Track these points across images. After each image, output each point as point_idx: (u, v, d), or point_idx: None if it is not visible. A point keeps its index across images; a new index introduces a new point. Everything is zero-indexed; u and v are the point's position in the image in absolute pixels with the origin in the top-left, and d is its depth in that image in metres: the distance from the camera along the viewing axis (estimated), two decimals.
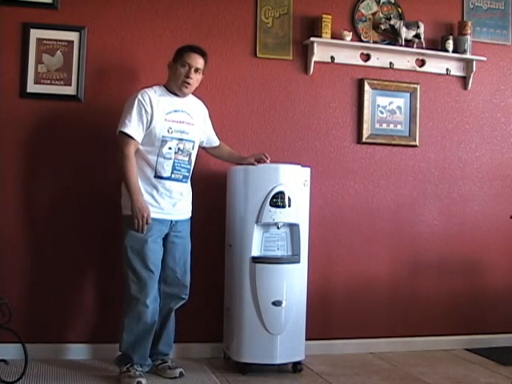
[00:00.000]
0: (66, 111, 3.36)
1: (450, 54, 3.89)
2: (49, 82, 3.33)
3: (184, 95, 3.12)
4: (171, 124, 3.04)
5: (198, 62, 3.07)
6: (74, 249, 3.37)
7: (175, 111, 3.07)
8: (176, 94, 3.10)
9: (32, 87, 3.30)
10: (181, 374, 3.11)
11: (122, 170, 2.96)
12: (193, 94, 3.20)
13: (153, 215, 2.98)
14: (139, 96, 2.99)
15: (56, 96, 3.33)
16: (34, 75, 3.30)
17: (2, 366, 2.92)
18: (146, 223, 2.94)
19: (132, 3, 3.44)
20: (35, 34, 3.29)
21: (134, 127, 2.95)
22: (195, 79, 3.09)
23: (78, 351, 3.34)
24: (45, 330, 3.32)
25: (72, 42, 3.35)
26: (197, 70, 3.07)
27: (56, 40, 3.33)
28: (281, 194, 3.18)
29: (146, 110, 2.97)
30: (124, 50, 3.43)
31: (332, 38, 3.66)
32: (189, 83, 3.07)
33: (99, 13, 3.39)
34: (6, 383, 2.82)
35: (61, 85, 3.34)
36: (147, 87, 3.05)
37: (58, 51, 3.34)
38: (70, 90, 3.35)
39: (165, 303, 3.15)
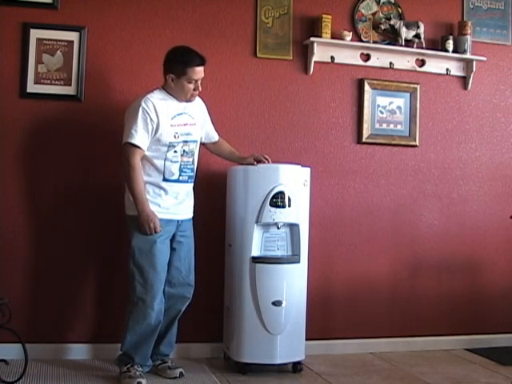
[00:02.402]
0: (66, 111, 3.36)
1: (450, 54, 3.89)
2: (49, 81, 3.33)
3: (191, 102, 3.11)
4: (177, 128, 3.03)
5: (202, 72, 3.05)
6: (74, 249, 3.37)
7: (179, 114, 3.06)
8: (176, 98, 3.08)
9: (32, 87, 3.30)
10: (181, 374, 3.11)
11: (128, 180, 2.96)
12: None
13: (160, 216, 2.99)
14: (143, 104, 2.94)
15: (56, 96, 3.33)
16: (33, 75, 3.30)
17: (2, 366, 2.92)
18: (155, 231, 2.95)
19: (132, 3, 3.44)
20: (35, 34, 3.29)
21: (140, 137, 2.93)
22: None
23: (78, 351, 3.34)
24: (45, 330, 3.32)
25: (72, 42, 3.35)
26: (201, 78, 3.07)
27: (56, 40, 3.33)
28: (281, 194, 3.18)
29: (151, 119, 2.94)
30: (124, 50, 3.43)
31: (332, 38, 3.66)
32: (197, 93, 3.08)
33: (99, 13, 3.39)
34: (6, 383, 2.82)
35: (61, 85, 3.34)
36: (148, 92, 3.01)
37: (58, 51, 3.34)
38: (69, 90, 3.35)
39: (170, 304, 3.13)
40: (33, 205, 3.33)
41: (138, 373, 2.99)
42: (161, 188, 3.02)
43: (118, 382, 3.00)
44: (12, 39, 3.28)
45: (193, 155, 3.12)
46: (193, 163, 3.13)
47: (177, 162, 3.04)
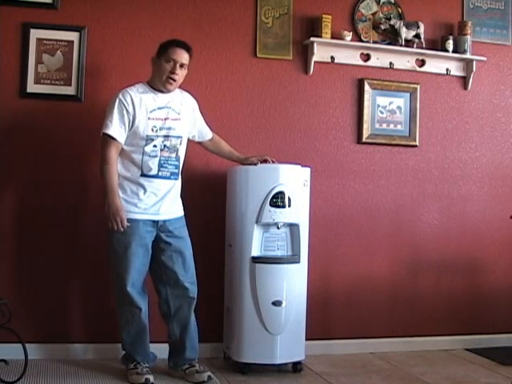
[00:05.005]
0: (66, 111, 3.36)
1: (450, 54, 3.89)
2: (49, 81, 3.33)
3: (169, 91, 3.04)
4: (155, 122, 2.98)
5: (184, 57, 3.00)
6: (74, 248, 3.37)
7: (159, 108, 3.00)
8: (160, 91, 3.03)
9: (32, 87, 3.30)
10: (209, 378, 3.03)
11: (100, 172, 2.94)
12: (185, 89, 3.17)
13: (137, 216, 2.96)
14: (120, 96, 2.94)
15: (56, 96, 3.33)
16: (34, 75, 3.30)
17: (2, 366, 2.92)
18: (122, 226, 2.91)
19: (132, 3, 3.45)
20: (35, 33, 3.29)
21: (115, 128, 2.91)
22: (180, 75, 3.02)
23: (78, 351, 3.35)
24: (45, 330, 3.32)
25: (72, 41, 3.35)
26: (182, 66, 3.00)
27: (56, 40, 3.33)
28: (281, 194, 3.18)
29: (127, 110, 2.92)
30: (124, 50, 3.43)
31: (332, 38, 3.66)
32: (174, 79, 3.00)
33: (99, 13, 3.39)
34: (6, 383, 2.82)
35: (61, 85, 3.34)
36: (129, 86, 3.01)
37: (58, 51, 3.34)
38: (69, 90, 3.35)
39: (178, 306, 3.10)
40: (33, 204, 3.33)
41: (144, 369, 3.02)
42: (139, 185, 2.97)
43: (126, 378, 3.02)
44: (12, 39, 3.28)
45: (176, 151, 3.05)
46: (177, 160, 3.06)
47: (156, 156, 2.98)
